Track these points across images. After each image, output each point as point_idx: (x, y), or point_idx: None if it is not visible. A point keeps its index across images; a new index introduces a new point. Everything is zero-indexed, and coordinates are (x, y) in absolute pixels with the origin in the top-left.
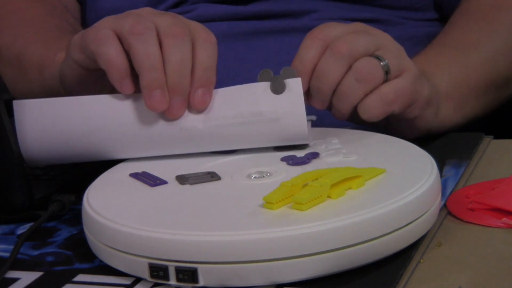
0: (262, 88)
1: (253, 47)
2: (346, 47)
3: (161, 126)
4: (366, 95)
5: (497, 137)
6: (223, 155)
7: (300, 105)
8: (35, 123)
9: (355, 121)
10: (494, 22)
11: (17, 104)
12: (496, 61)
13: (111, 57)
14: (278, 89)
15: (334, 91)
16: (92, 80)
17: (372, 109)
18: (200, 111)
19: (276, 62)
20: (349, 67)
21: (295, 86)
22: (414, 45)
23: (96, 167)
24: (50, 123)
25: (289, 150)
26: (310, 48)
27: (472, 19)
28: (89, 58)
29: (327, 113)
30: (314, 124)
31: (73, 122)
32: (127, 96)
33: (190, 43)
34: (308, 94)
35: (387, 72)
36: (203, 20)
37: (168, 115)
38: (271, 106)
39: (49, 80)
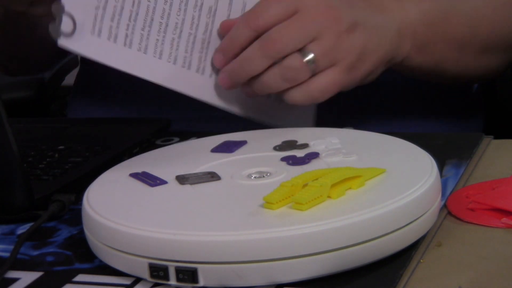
0: None
1: None
2: (277, 45)
3: None
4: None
5: (497, 137)
6: (223, 155)
7: None
8: None
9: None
10: None
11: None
12: (480, 21)
13: None
14: None
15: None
16: None
17: (296, 101)
18: None
19: None
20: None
21: None
22: None
23: (96, 167)
24: None
25: (289, 150)
26: (239, 36)
27: None
28: None
29: (326, 112)
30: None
31: None
32: None
33: None
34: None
35: (314, 66)
36: None
37: None
38: None
39: None
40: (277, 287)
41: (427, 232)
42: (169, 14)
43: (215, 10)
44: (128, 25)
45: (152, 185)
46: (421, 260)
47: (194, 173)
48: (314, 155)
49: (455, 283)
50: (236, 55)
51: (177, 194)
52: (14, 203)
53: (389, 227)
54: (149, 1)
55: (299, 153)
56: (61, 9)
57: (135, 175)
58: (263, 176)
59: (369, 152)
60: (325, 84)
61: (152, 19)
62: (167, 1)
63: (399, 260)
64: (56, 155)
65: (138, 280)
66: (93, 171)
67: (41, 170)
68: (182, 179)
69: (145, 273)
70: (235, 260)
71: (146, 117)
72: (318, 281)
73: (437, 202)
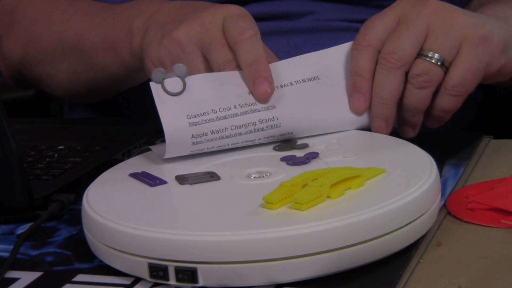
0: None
1: None
2: (395, 58)
3: None
4: (434, 96)
5: (497, 137)
6: (223, 155)
7: None
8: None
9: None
10: None
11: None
12: None
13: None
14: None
15: (402, 109)
16: None
17: (448, 107)
18: (265, 101)
19: None
20: (404, 73)
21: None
22: None
23: (96, 167)
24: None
25: (288, 150)
26: (359, 58)
27: None
28: None
29: None
30: None
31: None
32: None
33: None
34: (371, 116)
35: (443, 63)
36: None
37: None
38: None
39: (130, 60)
40: (277, 287)
41: (427, 232)
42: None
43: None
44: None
45: (152, 185)
46: (421, 260)
47: (194, 173)
48: (314, 155)
49: (455, 283)
50: (369, 81)
51: (177, 194)
52: (14, 203)
53: (389, 227)
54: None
55: (299, 153)
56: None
57: (135, 175)
58: (263, 176)
59: (369, 152)
60: (462, 74)
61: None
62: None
63: (399, 260)
64: (56, 155)
65: (138, 280)
66: (93, 171)
67: (41, 170)
68: (182, 179)
69: (144, 273)
70: (235, 260)
71: (146, 117)
72: (318, 281)
73: (437, 202)
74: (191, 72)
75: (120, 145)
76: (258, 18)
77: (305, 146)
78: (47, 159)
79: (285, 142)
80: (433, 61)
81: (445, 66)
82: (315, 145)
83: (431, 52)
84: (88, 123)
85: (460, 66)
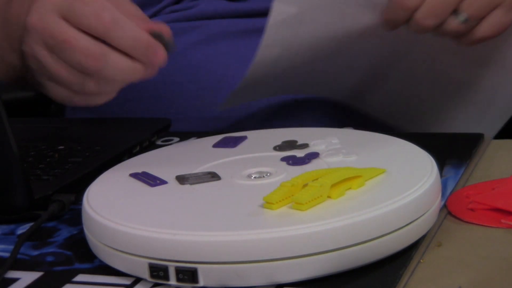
0: None
1: (253, 45)
2: (437, 9)
3: None
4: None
5: (497, 137)
6: (225, 152)
7: None
8: None
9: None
10: None
11: None
12: None
13: None
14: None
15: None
16: None
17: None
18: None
19: None
20: None
21: None
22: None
23: (96, 167)
24: None
25: (289, 150)
26: (397, 15)
27: None
28: None
29: (324, 114)
30: (314, 124)
31: None
32: None
33: None
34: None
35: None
36: (204, 17)
37: None
38: None
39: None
40: (277, 287)
41: (427, 232)
42: None
43: None
44: None
45: (152, 185)
46: (421, 260)
47: (194, 173)
48: (314, 155)
49: (455, 283)
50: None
51: (177, 194)
52: (14, 203)
53: (389, 227)
54: None
55: (299, 153)
56: None
57: (135, 175)
58: (263, 176)
59: (369, 152)
60: (486, 33)
61: None
62: None
63: (399, 260)
64: (56, 155)
65: (138, 280)
66: (93, 171)
67: (41, 170)
68: (182, 179)
69: (145, 273)
70: (235, 260)
71: (146, 117)
72: (318, 281)
73: (437, 202)
74: None
75: (120, 145)
76: (260, 14)
77: (305, 146)
78: (48, 159)
79: (286, 142)
80: (461, 20)
81: (471, 26)
82: (315, 145)
83: (464, 14)
84: (88, 123)
85: (488, 24)
